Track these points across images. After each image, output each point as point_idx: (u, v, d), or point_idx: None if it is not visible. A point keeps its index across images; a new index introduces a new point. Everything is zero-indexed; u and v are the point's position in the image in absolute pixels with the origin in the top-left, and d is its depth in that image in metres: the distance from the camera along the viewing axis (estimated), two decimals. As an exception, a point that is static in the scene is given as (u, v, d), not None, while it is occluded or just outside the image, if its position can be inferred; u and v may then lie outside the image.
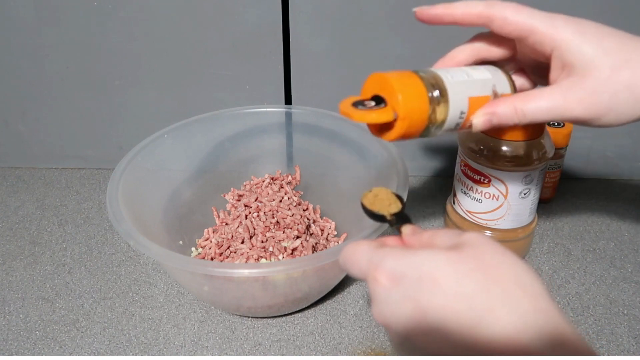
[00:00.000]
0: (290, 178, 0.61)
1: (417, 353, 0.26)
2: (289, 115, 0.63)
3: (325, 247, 0.56)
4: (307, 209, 0.60)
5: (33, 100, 0.70)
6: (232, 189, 0.61)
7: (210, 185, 0.62)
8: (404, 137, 0.36)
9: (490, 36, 0.40)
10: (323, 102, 0.65)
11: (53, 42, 0.66)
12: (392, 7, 0.61)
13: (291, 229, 0.54)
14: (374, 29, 0.63)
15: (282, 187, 0.60)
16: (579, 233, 0.63)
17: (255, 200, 0.58)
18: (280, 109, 0.62)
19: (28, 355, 0.49)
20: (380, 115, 0.35)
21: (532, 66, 0.40)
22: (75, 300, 0.54)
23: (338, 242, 0.58)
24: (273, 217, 0.55)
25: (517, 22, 0.35)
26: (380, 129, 0.38)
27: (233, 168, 0.63)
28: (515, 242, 0.55)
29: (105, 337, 0.50)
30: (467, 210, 0.55)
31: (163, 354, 0.49)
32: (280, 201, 0.58)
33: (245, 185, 0.62)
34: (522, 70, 0.42)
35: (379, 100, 0.36)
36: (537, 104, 0.35)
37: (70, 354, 0.49)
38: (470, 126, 0.38)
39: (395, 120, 0.35)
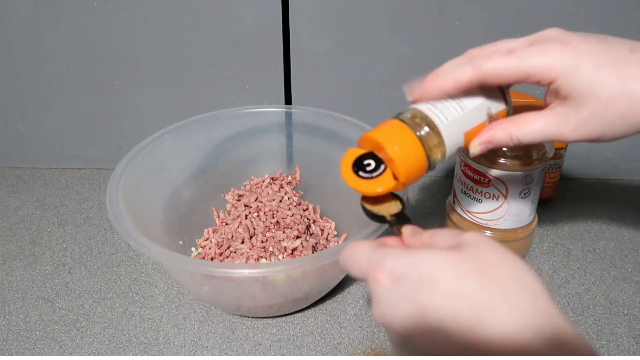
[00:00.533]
0: (290, 178, 0.61)
1: (418, 353, 0.26)
2: (289, 115, 0.63)
3: (325, 247, 0.56)
4: (307, 209, 0.60)
5: (33, 100, 0.70)
6: (232, 189, 0.61)
7: (210, 185, 0.62)
8: (412, 175, 0.37)
9: None
10: (323, 102, 0.65)
11: (53, 42, 0.66)
12: (392, 7, 0.61)
13: (291, 229, 0.54)
14: (374, 29, 0.63)
15: (282, 187, 0.60)
16: (579, 233, 0.63)
17: (255, 200, 0.58)
18: (280, 109, 0.62)
19: (28, 355, 0.49)
20: (383, 184, 0.36)
21: None
22: (75, 300, 0.54)
23: (338, 242, 0.58)
24: (273, 217, 0.55)
25: (510, 74, 0.34)
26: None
27: (233, 168, 0.63)
28: (515, 242, 0.55)
29: (105, 337, 0.50)
30: (467, 210, 0.55)
31: (163, 354, 0.49)
32: (280, 201, 0.58)
33: (245, 185, 0.62)
34: None
35: (375, 157, 0.37)
36: (531, 130, 0.35)
37: (70, 354, 0.49)
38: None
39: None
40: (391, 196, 0.38)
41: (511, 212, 0.52)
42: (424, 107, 0.37)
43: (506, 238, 0.54)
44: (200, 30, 0.64)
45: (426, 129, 0.36)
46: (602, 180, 0.72)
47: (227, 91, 0.68)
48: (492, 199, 0.52)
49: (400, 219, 0.36)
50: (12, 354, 0.49)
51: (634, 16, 0.61)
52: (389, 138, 0.35)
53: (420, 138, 0.35)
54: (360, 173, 0.36)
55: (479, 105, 0.37)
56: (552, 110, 0.35)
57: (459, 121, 0.36)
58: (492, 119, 0.38)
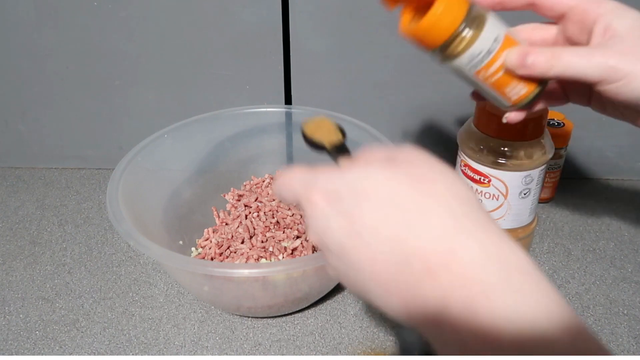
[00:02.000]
0: (290, 178, 0.61)
1: (351, 270, 0.26)
2: (289, 115, 0.63)
3: (325, 247, 0.56)
4: (307, 209, 0.60)
5: (33, 100, 0.70)
6: (232, 189, 0.61)
7: (210, 185, 0.62)
8: (431, 31, 0.35)
9: (532, 26, 0.40)
10: (323, 102, 0.65)
11: (53, 42, 0.66)
12: (392, 7, 0.61)
13: (291, 229, 0.54)
14: (374, 29, 0.63)
15: (282, 187, 0.60)
16: (579, 233, 0.63)
17: (255, 200, 0.58)
18: (280, 109, 0.62)
19: (28, 355, 0.49)
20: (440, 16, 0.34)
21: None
22: (75, 300, 0.54)
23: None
24: (273, 217, 0.55)
25: None
26: (414, 17, 0.37)
27: (233, 168, 0.63)
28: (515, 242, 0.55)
29: (105, 337, 0.50)
30: (467, 210, 0.55)
31: (163, 354, 0.49)
32: (280, 201, 0.58)
33: (245, 185, 0.62)
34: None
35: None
36: (575, 53, 0.34)
37: (70, 354, 0.49)
38: (495, 73, 0.37)
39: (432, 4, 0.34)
40: (334, 128, 0.37)
41: (511, 212, 0.52)
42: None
43: (506, 238, 0.54)
44: (200, 30, 0.64)
45: (476, 5, 0.36)
46: (602, 180, 0.72)
47: (227, 91, 0.68)
48: (492, 199, 0.52)
49: (341, 151, 0.35)
50: (12, 354, 0.49)
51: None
52: None
53: (470, 2, 0.35)
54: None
55: (524, 40, 0.38)
56: (598, 42, 0.35)
57: (503, 24, 0.36)
58: None
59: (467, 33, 0.35)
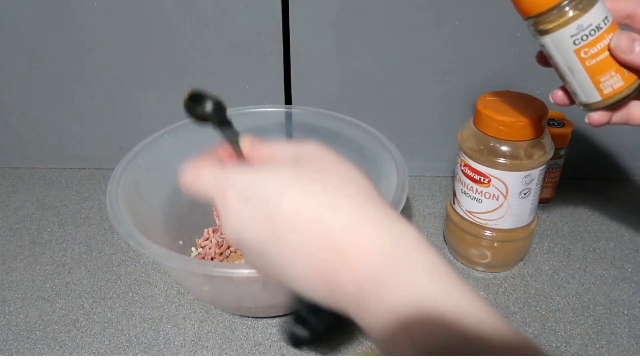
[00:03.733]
0: (290, 178, 0.61)
1: (272, 263, 0.27)
2: (289, 115, 0.63)
3: (325, 247, 0.56)
4: (307, 209, 0.60)
5: (33, 100, 0.70)
6: (232, 189, 0.61)
7: (210, 185, 0.61)
8: None
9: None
10: (323, 102, 0.65)
11: (53, 42, 0.66)
12: (392, 7, 0.61)
13: (291, 229, 0.54)
14: (374, 29, 0.63)
15: (282, 187, 0.60)
16: (579, 233, 0.63)
17: (255, 200, 0.58)
18: (280, 109, 0.62)
19: (28, 355, 0.49)
20: None
21: None
22: (75, 300, 0.54)
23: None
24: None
25: None
26: None
27: (233, 168, 0.63)
28: (515, 242, 0.55)
29: (105, 337, 0.50)
30: (467, 210, 0.55)
31: (163, 354, 0.49)
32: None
33: (245, 185, 0.62)
34: None
35: None
36: None
37: (70, 354, 0.49)
38: (597, 54, 0.35)
39: None
40: (210, 100, 0.36)
41: (511, 212, 0.52)
42: None
43: (506, 238, 0.54)
44: (200, 30, 0.64)
45: None
46: (602, 180, 0.72)
47: (227, 91, 0.68)
48: (492, 199, 0.52)
49: (223, 122, 0.35)
50: (12, 354, 0.49)
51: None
52: None
53: None
54: None
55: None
56: None
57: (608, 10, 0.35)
58: None
59: (582, 1, 0.34)
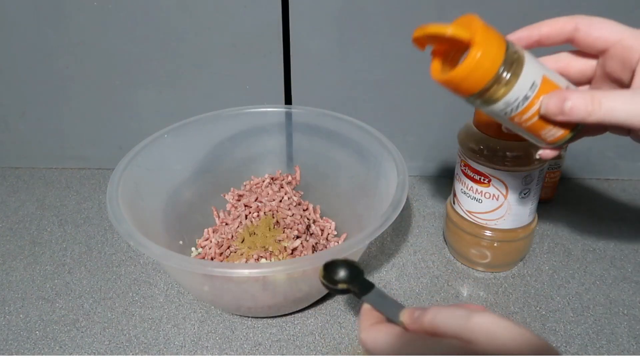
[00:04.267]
0: (290, 178, 0.61)
1: None
2: (289, 115, 0.63)
3: (325, 247, 0.56)
4: (307, 209, 0.60)
5: (33, 100, 0.70)
6: (232, 189, 0.61)
7: (210, 185, 0.62)
8: (466, 80, 0.34)
9: (572, 54, 0.39)
10: (323, 102, 0.65)
11: (53, 42, 0.66)
12: (392, 7, 0.61)
13: (291, 229, 0.54)
14: (374, 29, 0.63)
15: (282, 187, 0.60)
16: (579, 233, 0.63)
17: (255, 200, 0.58)
18: (280, 109, 0.62)
19: (28, 355, 0.49)
20: (456, 29, 0.33)
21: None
22: (75, 300, 0.54)
23: (338, 242, 0.58)
24: (273, 217, 0.55)
25: (603, 28, 0.34)
26: (446, 59, 0.36)
27: (233, 168, 0.63)
28: (515, 242, 0.55)
29: (105, 337, 0.50)
30: (467, 210, 0.55)
31: (163, 354, 0.49)
32: (280, 201, 0.58)
33: (245, 185, 0.62)
34: None
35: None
36: (617, 99, 0.32)
37: (70, 354, 0.49)
38: (530, 118, 0.36)
39: (467, 48, 0.33)
40: (348, 265, 0.37)
41: (511, 212, 0.52)
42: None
43: (506, 238, 0.54)
44: (200, 30, 0.64)
45: (515, 47, 0.34)
46: (602, 180, 0.72)
47: (227, 91, 0.68)
48: (492, 199, 0.52)
49: (364, 287, 0.35)
50: (12, 354, 0.49)
51: (634, 16, 0.61)
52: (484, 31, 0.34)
53: (507, 46, 0.34)
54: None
55: (561, 77, 0.36)
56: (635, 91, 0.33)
57: (541, 65, 0.35)
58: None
59: (505, 78, 0.34)
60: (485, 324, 0.27)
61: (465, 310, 0.29)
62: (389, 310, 0.33)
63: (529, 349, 0.26)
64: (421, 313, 0.31)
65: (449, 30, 0.33)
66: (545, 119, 0.35)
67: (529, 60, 0.34)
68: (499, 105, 0.35)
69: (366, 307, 0.34)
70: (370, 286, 0.35)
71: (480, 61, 0.33)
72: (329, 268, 0.36)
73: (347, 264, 0.37)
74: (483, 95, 0.34)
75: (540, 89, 0.35)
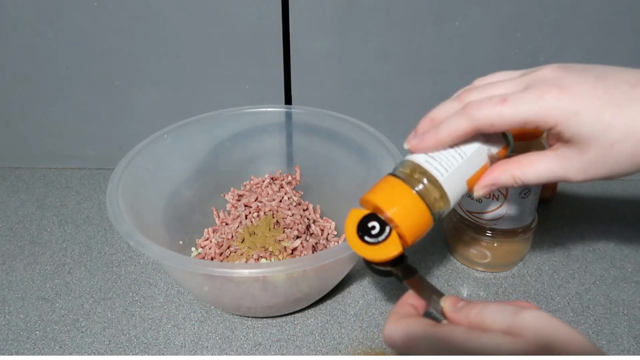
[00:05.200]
0: (290, 178, 0.61)
1: None
2: (289, 115, 0.63)
3: (325, 247, 0.56)
4: (307, 209, 0.60)
5: (33, 100, 0.70)
6: (232, 189, 0.61)
7: (210, 185, 0.62)
8: (416, 233, 0.35)
9: None
10: (323, 102, 0.65)
11: (53, 42, 0.66)
12: (392, 7, 0.61)
13: (291, 229, 0.54)
14: (374, 29, 0.63)
15: (282, 187, 0.60)
16: (579, 233, 0.63)
17: (255, 200, 0.58)
18: (280, 109, 0.62)
19: (28, 355, 0.49)
20: (390, 249, 0.34)
21: None
22: (75, 300, 0.54)
23: (338, 242, 0.58)
24: (273, 217, 0.55)
25: (505, 122, 0.33)
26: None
27: (233, 168, 0.63)
28: (515, 242, 0.55)
29: (105, 337, 0.50)
30: (467, 210, 0.55)
31: (163, 354, 0.49)
32: (280, 201, 0.58)
33: (245, 185, 0.62)
34: None
35: (379, 218, 0.35)
36: (535, 172, 0.34)
37: (70, 354, 0.49)
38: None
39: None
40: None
41: (511, 212, 0.52)
42: (422, 160, 0.35)
43: (506, 238, 0.54)
44: (200, 30, 0.64)
45: (426, 184, 0.35)
46: (602, 181, 0.72)
47: (227, 91, 0.68)
48: (492, 199, 0.52)
49: (407, 272, 0.35)
50: (12, 354, 0.49)
51: (633, 16, 0.61)
52: (387, 200, 0.35)
53: (421, 194, 0.34)
54: (366, 238, 0.35)
55: (479, 149, 0.36)
56: (556, 152, 0.34)
57: (459, 170, 0.35)
58: (493, 159, 0.36)
59: (440, 214, 0.36)
60: (534, 319, 0.27)
61: (514, 306, 0.29)
62: (429, 296, 0.34)
63: (576, 350, 0.26)
64: (466, 304, 0.31)
65: (387, 256, 0.35)
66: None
67: (450, 189, 0.35)
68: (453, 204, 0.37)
69: (401, 300, 0.34)
70: (413, 271, 0.35)
71: (416, 234, 0.35)
72: None
73: None
74: (437, 221, 0.36)
75: (469, 188, 0.36)
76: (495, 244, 0.55)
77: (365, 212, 0.36)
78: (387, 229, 0.35)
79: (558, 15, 0.61)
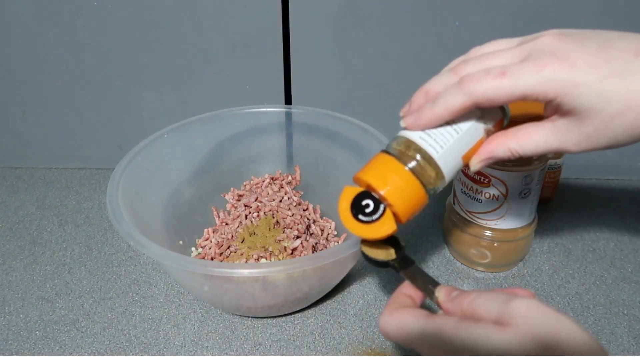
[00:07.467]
0: (290, 178, 0.61)
1: None
2: (289, 115, 0.63)
3: (325, 247, 0.56)
4: (307, 209, 0.60)
5: (33, 100, 0.70)
6: (232, 189, 0.61)
7: (210, 185, 0.62)
8: (411, 208, 0.35)
9: None
10: (323, 102, 0.65)
11: (53, 42, 0.66)
12: (392, 7, 0.61)
13: (291, 229, 0.54)
14: (374, 29, 0.63)
15: (282, 187, 0.60)
16: (579, 233, 0.63)
17: (255, 200, 0.58)
18: (280, 109, 0.62)
19: (28, 355, 0.49)
20: (385, 227, 0.34)
21: None
22: (75, 300, 0.54)
23: (338, 242, 0.58)
24: (273, 217, 0.55)
25: (504, 96, 0.31)
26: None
27: (233, 168, 0.63)
28: (515, 242, 0.55)
29: (105, 337, 0.50)
30: (467, 210, 0.55)
31: (163, 354, 0.49)
32: (280, 201, 0.58)
33: (245, 185, 0.62)
34: None
35: (373, 196, 0.35)
36: (532, 143, 0.33)
37: (70, 354, 0.49)
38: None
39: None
40: (390, 238, 0.36)
41: (511, 212, 0.52)
42: (417, 136, 0.34)
43: (506, 238, 0.54)
44: (200, 30, 0.64)
45: (420, 161, 0.34)
46: (602, 180, 0.72)
47: (227, 91, 0.68)
48: (492, 199, 0.52)
49: (404, 262, 0.35)
50: (12, 354, 0.49)
51: (634, 14, 0.61)
52: (381, 178, 0.34)
53: (415, 172, 0.34)
54: (360, 217, 0.35)
55: (475, 123, 0.35)
56: (554, 123, 0.33)
57: (455, 146, 0.34)
58: (489, 132, 0.36)
59: (435, 190, 0.35)
60: (525, 307, 0.27)
61: (506, 294, 0.28)
62: (425, 286, 0.33)
63: (568, 338, 0.26)
64: (460, 293, 0.31)
65: (381, 235, 0.34)
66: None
67: (444, 166, 0.34)
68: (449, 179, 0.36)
69: (397, 291, 0.34)
70: (410, 262, 0.35)
71: (410, 215, 0.35)
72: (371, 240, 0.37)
73: (390, 238, 0.37)
74: (432, 197, 0.35)
75: (465, 163, 0.36)
76: (495, 244, 0.55)
77: (359, 189, 0.35)
78: (382, 207, 0.34)
79: (558, 15, 0.61)
